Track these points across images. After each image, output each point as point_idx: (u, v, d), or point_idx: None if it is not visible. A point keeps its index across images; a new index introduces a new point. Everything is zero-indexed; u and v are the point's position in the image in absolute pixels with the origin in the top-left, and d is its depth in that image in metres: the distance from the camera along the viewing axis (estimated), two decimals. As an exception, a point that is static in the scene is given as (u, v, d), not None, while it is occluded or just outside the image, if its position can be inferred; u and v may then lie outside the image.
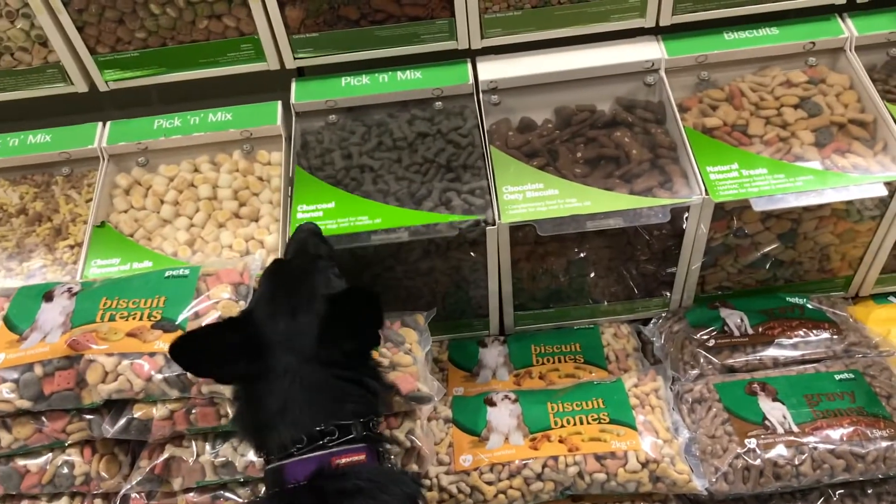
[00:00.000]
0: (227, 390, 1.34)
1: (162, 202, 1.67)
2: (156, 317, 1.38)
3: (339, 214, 1.53)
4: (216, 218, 1.64)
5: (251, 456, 1.40)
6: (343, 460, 1.13)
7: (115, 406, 1.41)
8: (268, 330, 1.19)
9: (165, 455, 1.41)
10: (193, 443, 1.42)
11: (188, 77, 1.71)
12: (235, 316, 1.28)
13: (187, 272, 1.45)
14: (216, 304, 1.40)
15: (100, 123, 1.74)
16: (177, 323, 1.38)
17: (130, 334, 1.35)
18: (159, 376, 1.33)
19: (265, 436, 1.17)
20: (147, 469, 1.41)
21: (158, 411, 1.37)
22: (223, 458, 1.41)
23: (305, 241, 1.39)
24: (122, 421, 1.38)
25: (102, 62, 1.68)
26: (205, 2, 1.60)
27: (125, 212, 1.68)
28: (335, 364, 1.18)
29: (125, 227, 1.64)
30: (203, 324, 1.38)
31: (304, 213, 1.53)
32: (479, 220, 1.51)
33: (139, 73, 1.70)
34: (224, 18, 1.63)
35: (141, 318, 1.38)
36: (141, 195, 1.69)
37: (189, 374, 1.33)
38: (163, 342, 1.35)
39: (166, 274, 1.45)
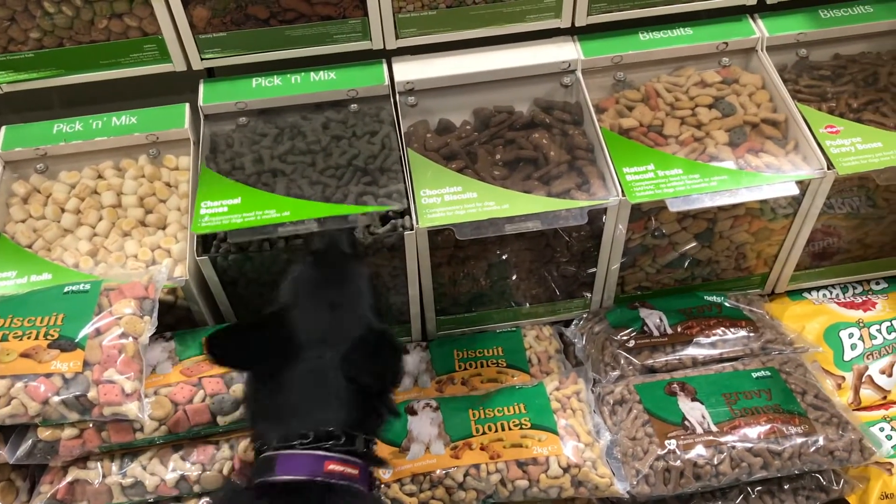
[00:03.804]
0: (131, 412, 1.28)
1: (63, 210, 1.59)
2: (53, 335, 1.31)
3: (245, 209, 1.46)
4: (120, 226, 1.57)
5: (162, 474, 1.34)
6: (338, 468, 1.12)
7: (14, 429, 1.33)
8: (305, 329, 1.19)
9: (69, 478, 1.34)
10: (99, 464, 1.35)
11: (88, 79, 1.62)
12: (274, 312, 1.24)
13: (88, 287, 1.38)
14: (119, 319, 1.34)
15: (-6, 128, 1.65)
16: (76, 341, 1.31)
17: (24, 355, 1.28)
18: (57, 398, 1.26)
19: (273, 424, 1.15)
20: (49, 494, 1.34)
21: (66, 431, 1.30)
22: (132, 479, 1.35)
23: (338, 237, 1.39)
24: (27, 444, 1.31)
25: (-6, 64, 1.59)
26: (104, 0, 1.52)
27: (23, 221, 1.59)
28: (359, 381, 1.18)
29: (22, 238, 1.56)
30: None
31: (209, 209, 1.46)
32: (395, 210, 1.47)
33: (35, 76, 1.61)
34: (125, 18, 1.55)
35: (37, 337, 1.31)
36: (40, 203, 1.60)
37: (89, 396, 1.26)
38: (60, 362, 1.28)
39: (65, 289, 1.38)
